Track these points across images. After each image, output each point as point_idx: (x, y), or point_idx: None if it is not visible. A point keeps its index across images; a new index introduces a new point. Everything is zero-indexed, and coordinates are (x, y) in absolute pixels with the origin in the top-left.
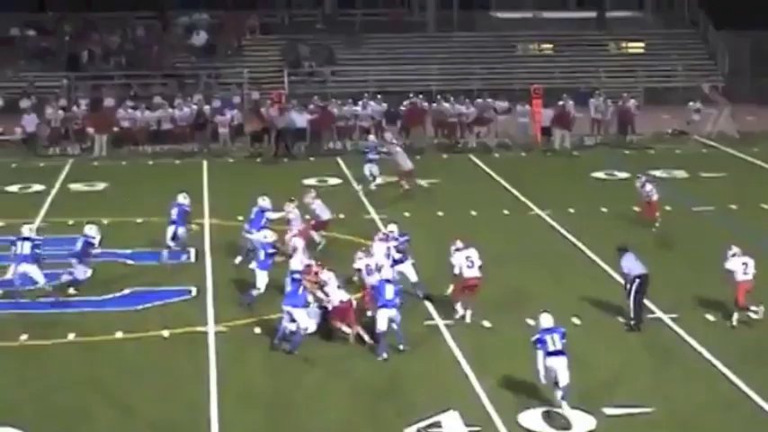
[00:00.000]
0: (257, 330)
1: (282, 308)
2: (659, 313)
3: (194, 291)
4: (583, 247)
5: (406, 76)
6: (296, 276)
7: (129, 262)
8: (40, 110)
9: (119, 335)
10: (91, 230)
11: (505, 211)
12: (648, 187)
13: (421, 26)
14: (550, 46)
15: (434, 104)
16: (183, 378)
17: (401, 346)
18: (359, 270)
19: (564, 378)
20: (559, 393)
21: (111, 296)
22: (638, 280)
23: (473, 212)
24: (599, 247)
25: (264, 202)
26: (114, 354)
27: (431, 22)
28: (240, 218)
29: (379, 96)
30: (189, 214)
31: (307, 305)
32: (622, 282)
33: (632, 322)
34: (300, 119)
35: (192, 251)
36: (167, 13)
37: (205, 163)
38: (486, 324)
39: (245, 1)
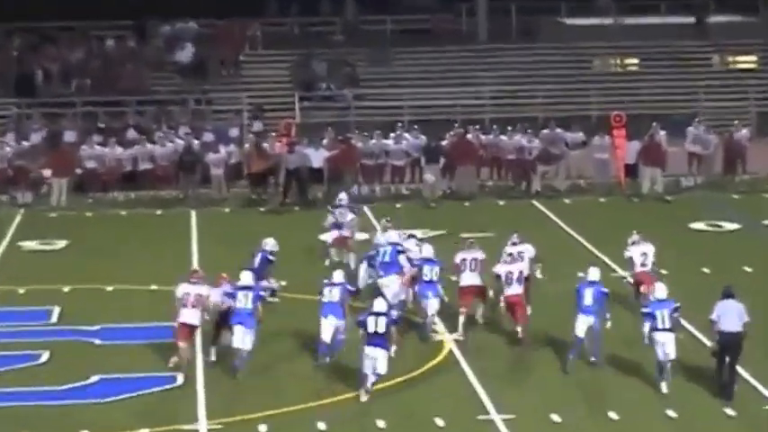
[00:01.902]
0: (262, 429)
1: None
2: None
3: (180, 378)
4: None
5: (451, 100)
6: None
7: (97, 342)
8: None
9: None
10: None
11: (580, 273)
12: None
13: (470, 37)
14: (636, 61)
15: (487, 137)
16: None
17: (593, 358)
18: (497, 276)
19: (671, 352)
20: (662, 369)
21: (74, 385)
22: (719, 335)
23: (538, 274)
24: (700, 318)
25: (269, 245)
26: None
27: (482, 31)
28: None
29: (416, 127)
30: (272, 266)
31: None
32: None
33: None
34: (316, 156)
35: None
36: (145, 23)
37: (194, 213)
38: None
39: (245, 6)
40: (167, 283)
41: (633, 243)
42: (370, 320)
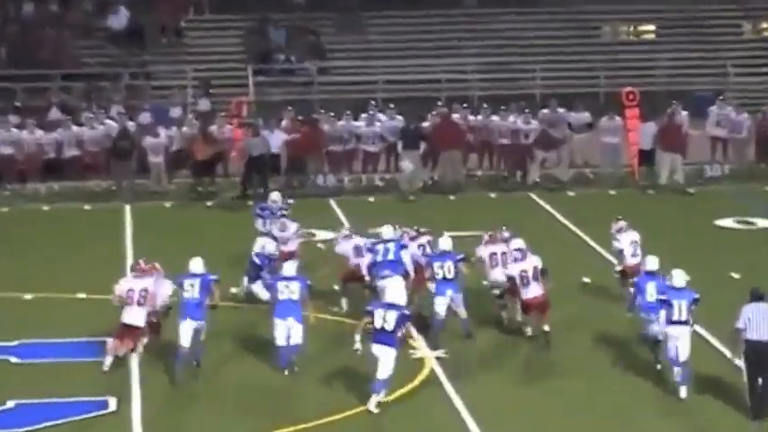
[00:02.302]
0: None
1: None
2: None
3: (113, 403)
4: (703, 332)
5: (433, 74)
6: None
7: (14, 360)
8: None
9: None
10: None
11: (585, 279)
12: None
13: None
14: (652, 28)
15: (476, 117)
16: None
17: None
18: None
19: (684, 352)
20: (678, 372)
21: None
22: (747, 345)
23: None
24: (728, 331)
25: (196, 265)
26: None
27: None
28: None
29: (391, 106)
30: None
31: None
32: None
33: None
34: (273, 140)
35: (110, 342)
36: None
37: (128, 209)
38: None
39: None
40: (98, 291)
41: (619, 231)
42: (378, 314)
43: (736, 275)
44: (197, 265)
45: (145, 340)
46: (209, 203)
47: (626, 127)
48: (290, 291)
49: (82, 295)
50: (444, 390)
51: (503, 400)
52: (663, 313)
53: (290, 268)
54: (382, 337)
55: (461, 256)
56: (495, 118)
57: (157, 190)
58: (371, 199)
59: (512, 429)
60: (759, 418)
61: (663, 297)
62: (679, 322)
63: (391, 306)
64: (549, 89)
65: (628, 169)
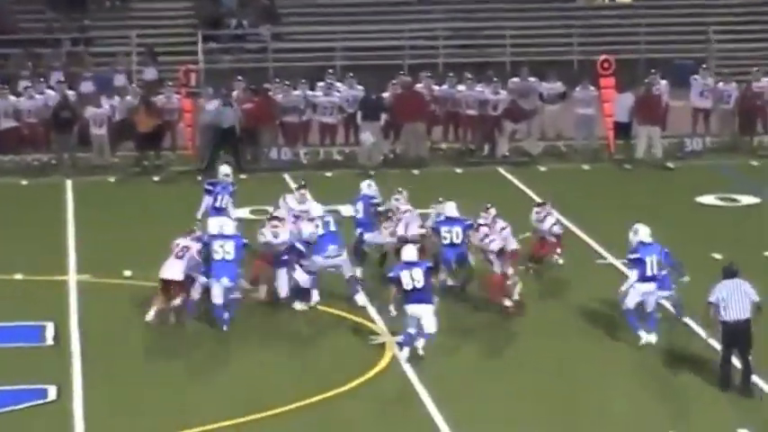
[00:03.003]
0: None
1: None
2: None
3: (53, 391)
4: (688, 321)
5: (395, 40)
6: None
7: None
8: None
9: None
10: None
11: (558, 260)
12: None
13: None
14: None
15: (441, 87)
16: None
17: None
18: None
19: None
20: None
21: None
22: (723, 328)
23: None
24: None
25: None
26: None
27: None
28: (128, 273)
29: (351, 75)
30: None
31: None
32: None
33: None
34: (226, 112)
35: (50, 328)
36: None
37: (69, 183)
38: None
39: None
40: (37, 272)
41: (547, 215)
42: (405, 275)
43: (717, 256)
44: (229, 227)
45: (182, 297)
46: (155, 178)
47: (601, 98)
48: (225, 251)
49: (19, 276)
50: (406, 375)
51: (465, 383)
52: (634, 273)
53: (229, 226)
54: (417, 296)
55: (470, 222)
56: (461, 88)
57: (100, 164)
58: (329, 174)
59: (475, 413)
60: (745, 393)
61: (634, 255)
62: (653, 278)
63: (412, 264)
64: (519, 57)
65: (602, 142)
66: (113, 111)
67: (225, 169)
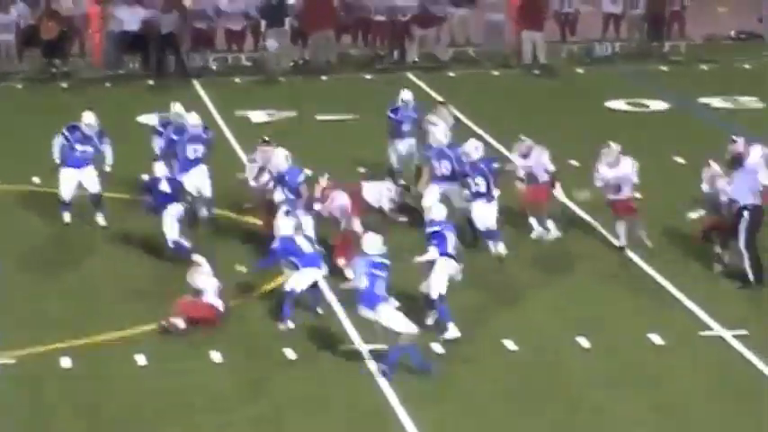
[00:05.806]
0: (65, 362)
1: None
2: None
3: None
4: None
5: None
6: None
7: None
8: None
9: None
10: None
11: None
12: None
13: None
14: None
15: None
16: None
17: None
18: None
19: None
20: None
21: None
22: (746, 212)
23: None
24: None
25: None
26: None
27: None
28: (36, 179)
29: None
30: None
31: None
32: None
33: (751, 276)
34: (131, 19)
35: None
36: None
37: None
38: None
39: None
40: None
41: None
42: (449, 237)
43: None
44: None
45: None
46: (64, 85)
47: (510, 1)
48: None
49: None
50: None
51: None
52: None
53: (160, 168)
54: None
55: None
56: None
57: (7, 70)
58: (238, 80)
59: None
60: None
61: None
62: (479, 194)
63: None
64: None
65: (511, 48)
66: (19, 17)
67: (89, 118)
